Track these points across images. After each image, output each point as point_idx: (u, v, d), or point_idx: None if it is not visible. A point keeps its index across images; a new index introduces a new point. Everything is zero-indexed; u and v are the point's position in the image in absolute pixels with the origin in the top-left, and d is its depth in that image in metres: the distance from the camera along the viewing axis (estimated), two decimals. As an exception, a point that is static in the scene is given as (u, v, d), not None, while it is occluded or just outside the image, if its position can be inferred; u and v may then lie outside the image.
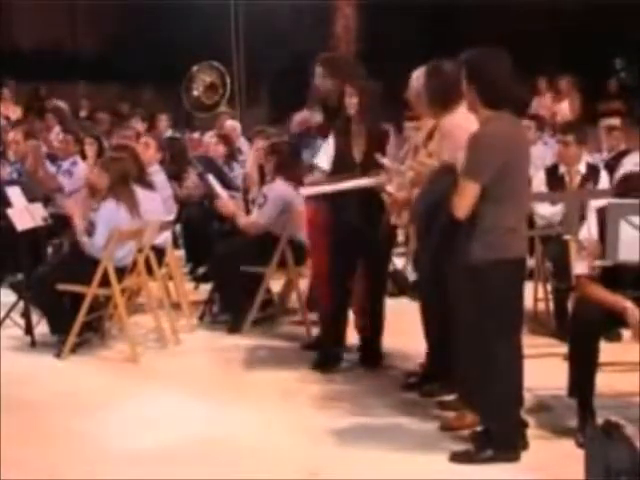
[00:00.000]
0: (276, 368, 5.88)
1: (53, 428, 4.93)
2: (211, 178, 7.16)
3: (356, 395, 5.35)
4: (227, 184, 7.91)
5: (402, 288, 7.61)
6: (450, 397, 5.00)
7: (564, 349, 4.79)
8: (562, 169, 6.64)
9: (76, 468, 4.40)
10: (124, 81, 16.37)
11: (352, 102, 5.60)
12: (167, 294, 6.95)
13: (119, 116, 13.44)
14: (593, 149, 8.33)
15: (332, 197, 5.63)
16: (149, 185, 6.82)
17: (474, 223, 4.20)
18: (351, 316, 5.94)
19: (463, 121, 4.58)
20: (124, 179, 6.31)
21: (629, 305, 4.43)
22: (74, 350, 6.16)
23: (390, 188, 5.21)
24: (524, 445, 4.38)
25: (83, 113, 14.66)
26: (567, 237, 5.60)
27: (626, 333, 5.40)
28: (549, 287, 6.57)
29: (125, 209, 6.22)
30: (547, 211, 6.40)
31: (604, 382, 4.70)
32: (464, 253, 4.24)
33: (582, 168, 6.59)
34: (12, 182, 7.96)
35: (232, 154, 9.22)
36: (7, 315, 6.68)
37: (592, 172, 6.60)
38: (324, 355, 5.85)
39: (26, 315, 6.49)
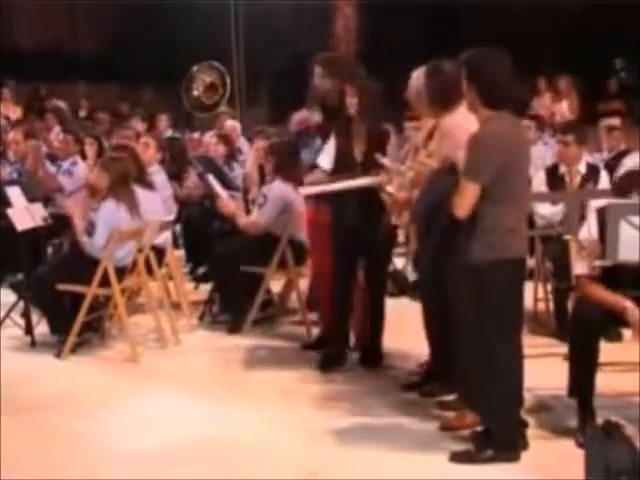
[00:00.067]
0: (276, 368, 5.88)
1: (53, 428, 4.92)
2: (211, 178, 7.16)
3: (356, 395, 5.35)
4: (227, 184, 7.90)
5: (402, 288, 7.62)
6: (450, 397, 4.99)
7: (564, 349, 4.79)
8: (562, 169, 6.64)
9: (76, 468, 4.40)
10: (124, 81, 16.36)
11: (352, 102, 5.60)
12: (167, 294, 6.95)
13: (119, 116, 13.43)
14: (593, 149, 8.33)
15: (332, 197, 5.63)
16: (149, 185, 6.83)
17: (474, 223, 4.20)
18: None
19: (463, 121, 4.58)
20: (124, 179, 6.31)
21: (629, 305, 4.43)
22: (74, 350, 6.17)
23: (390, 188, 5.21)
24: (524, 445, 4.38)
25: (83, 113, 14.65)
26: (567, 237, 5.59)
27: (626, 333, 5.41)
28: (549, 287, 6.57)
29: (125, 209, 6.22)
30: (547, 211, 6.39)
31: (604, 382, 4.69)
32: (464, 253, 4.24)
33: (582, 168, 6.59)
34: (12, 182, 7.96)
35: (232, 154, 9.21)
36: (7, 315, 6.68)
37: (592, 172, 6.61)
38: (327, 356, 5.85)
39: (26, 315, 6.49)
